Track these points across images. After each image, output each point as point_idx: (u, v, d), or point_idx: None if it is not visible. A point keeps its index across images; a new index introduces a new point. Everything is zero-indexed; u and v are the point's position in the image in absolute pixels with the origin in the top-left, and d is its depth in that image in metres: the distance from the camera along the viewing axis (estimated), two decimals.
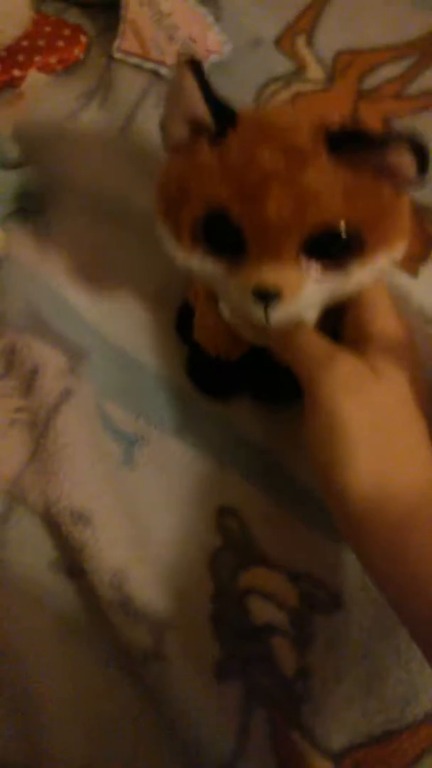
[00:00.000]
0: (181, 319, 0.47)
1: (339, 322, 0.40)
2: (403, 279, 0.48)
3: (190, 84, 0.31)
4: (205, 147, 0.32)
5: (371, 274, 0.35)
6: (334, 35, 0.56)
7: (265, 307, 0.34)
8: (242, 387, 0.47)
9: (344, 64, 0.54)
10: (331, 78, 0.54)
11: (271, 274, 0.33)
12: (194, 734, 0.39)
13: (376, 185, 0.32)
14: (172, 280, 0.48)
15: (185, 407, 0.47)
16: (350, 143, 0.30)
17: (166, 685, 0.40)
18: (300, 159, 0.31)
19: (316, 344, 0.37)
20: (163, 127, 0.34)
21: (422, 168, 0.30)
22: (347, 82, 0.54)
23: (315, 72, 0.54)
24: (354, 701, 0.41)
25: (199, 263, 0.35)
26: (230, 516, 0.44)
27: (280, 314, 0.34)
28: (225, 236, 0.33)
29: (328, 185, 0.31)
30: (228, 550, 0.43)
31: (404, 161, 0.30)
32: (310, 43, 0.55)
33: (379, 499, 0.33)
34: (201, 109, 0.31)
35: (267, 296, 0.33)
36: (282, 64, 0.55)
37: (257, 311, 0.34)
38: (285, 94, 0.53)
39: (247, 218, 0.32)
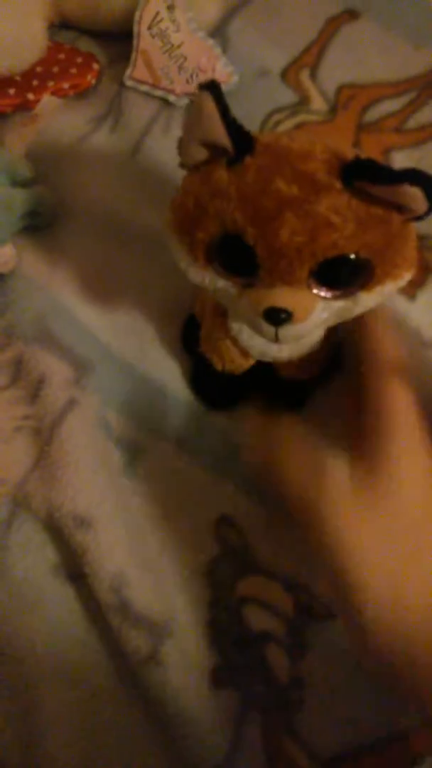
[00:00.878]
0: (187, 332, 0.49)
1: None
2: (400, 302, 0.50)
3: (210, 107, 0.32)
4: (223, 170, 0.33)
5: (377, 299, 0.37)
6: (337, 70, 0.58)
7: (276, 327, 0.36)
8: (242, 398, 0.48)
9: (346, 98, 0.57)
10: (334, 110, 0.56)
11: (284, 297, 0.34)
12: (189, 740, 0.40)
13: (386, 216, 0.33)
14: (177, 295, 0.49)
15: (187, 419, 0.48)
16: (364, 176, 0.32)
17: (163, 690, 0.41)
18: (314, 188, 0.32)
19: (301, 460, 0.37)
20: (182, 147, 0.35)
21: (429, 202, 0.32)
22: (349, 115, 0.56)
23: (318, 104, 0.56)
24: (347, 710, 0.42)
25: (211, 281, 0.36)
26: (228, 525, 0.45)
27: (289, 333, 0.36)
28: (239, 258, 0.34)
29: (340, 215, 0.32)
30: (226, 559, 0.45)
31: (416, 196, 0.31)
32: (314, 76, 0.57)
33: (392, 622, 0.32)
34: (220, 132, 0.32)
35: (278, 318, 0.35)
36: (287, 96, 0.57)
37: (268, 331, 0.36)
38: (289, 124, 0.55)
39: (261, 242, 0.33)
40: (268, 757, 0.41)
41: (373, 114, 0.56)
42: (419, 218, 0.34)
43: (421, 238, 0.51)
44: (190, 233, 0.35)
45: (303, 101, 0.56)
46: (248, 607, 0.44)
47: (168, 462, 0.47)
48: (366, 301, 0.36)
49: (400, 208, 0.34)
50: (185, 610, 0.43)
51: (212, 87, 0.32)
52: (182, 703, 0.41)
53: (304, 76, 0.57)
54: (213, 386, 0.48)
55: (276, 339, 0.36)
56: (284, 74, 0.58)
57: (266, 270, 0.34)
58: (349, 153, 0.34)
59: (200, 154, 0.34)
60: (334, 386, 0.48)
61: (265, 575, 0.44)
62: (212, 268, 0.36)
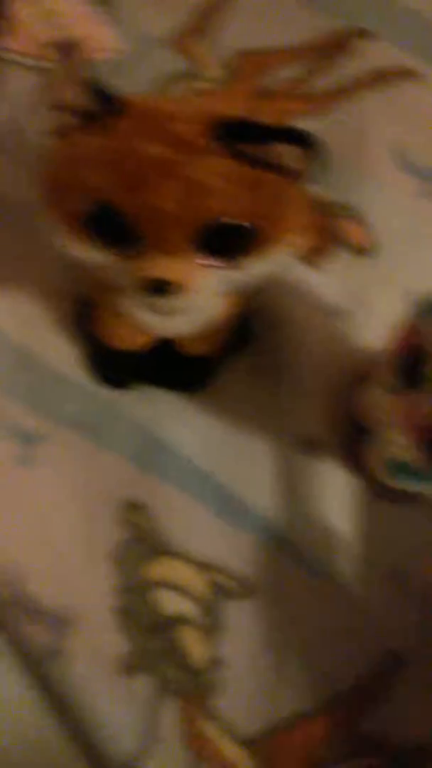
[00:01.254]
0: (79, 312, 0.47)
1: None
2: (306, 271, 0.49)
3: (73, 72, 0.31)
4: (91, 135, 0.32)
5: (268, 266, 0.35)
6: (231, 36, 0.56)
7: (162, 299, 0.34)
8: (144, 377, 0.47)
9: (242, 64, 0.55)
10: (229, 77, 0.55)
11: (166, 268, 0.33)
12: (100, 731, 0.39)
13: (268, 178, 0.32)
14: (69, 276, 0.47)
15: (89, 402, 0.46)
16: (238, 135, 0.31)
17: (67, 682, 0.40)
18: (187, 150, 0.31)
19: None
20: (46, 114, 0.33)
21: (311, 160, 0.31)
22: (245, 82, 0.54)
23: (212, 71, 0.55)
24: (264, 688, 0.41)
25: (90, 255, 0.35)
26: (136, 509, 0.44)
27: (174, 306, 0.35)
28: (114, 228, 0.33)
29: (217, 177, 0.31)
30: (134, 543, 0.43)
31: (292, 154, 0.30)
32: (207, 42, 0.56)
33: None
34: (83, 96, 0.31)
35: (162, 289, 0.33)
36: (178, 63, 0.55)
37: (153, 304, 0.35)
38: (181, 92, 0.53)
39: (135, 210, 0.31)
40: (187, 742, 0.40)
41: (271, 81, 0.55)
42: (306, 179, 0.33)
43: (326, 205, 0.51)
44: (61, 206, 0.33)
45: (196, 68, 0.55)
46: (159, 590, 0.43)
47: (70, 447, 0.45)
48: (256, 268, 0.35)
49: (283, 170, 0.33)
50: (92, 599, 0.42)
51: (73, 51, 0.31)
52: (90, 694, 0.40)
53: (198, 42, 0.56)
54: (111, 366, 0.47)
55: (163, 312, 0.35)
56: (175, 41, 0.56)
57: (143, 239, 0.32)
58: (226, 113, 0.32)
59: (67, 119, 0.32)
60: (240, 363, 0.48)
61: (176, 557, 0.43)
62: (89, 241, 0.34)
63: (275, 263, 0.36)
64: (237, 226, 0.32)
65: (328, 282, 0.49)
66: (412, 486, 0.42)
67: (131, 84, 0.52)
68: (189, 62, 0.55)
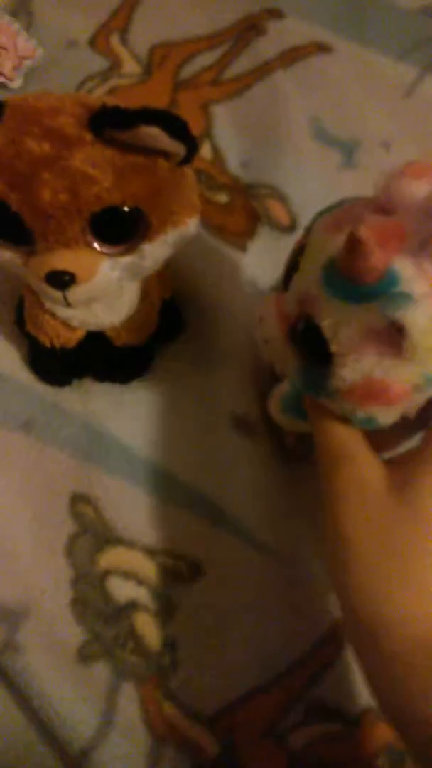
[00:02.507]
0: (19, 313, 0.48)
1: None
2: (233, 253, 0.50)
3: None
4: None
5: (164, 249, 0.36)
6: (147, 31, 0.57)
7: (62, 291, 0.35)
8: (84, 371, 0.47)
9: (160, 57, 0.56)
10: (148, 71, 0.55)
11: (62, 259, 0.34)
12: (56, 720, 0.40)
13: (148, 163, 0.33)
14: (6, 278, 0.48)
15: (29, 401, 0.47)
16: (108, 123, 0.31)
17: (24, 674, 0.41)
18: (66, 143, 0.31)
19: (332, 439, 0.34)
20: None
21: (182, 142, 0.32)
22: (164, 74, 0.55)
23: (131, 67, 0.55)
24: (220, 665, 0.42)
25: None
26: (83, 501, 0.45)
27: (77, 296, 0.35)
28: (10, 227, 0.33)
29: (97, 167, 0.31)
30: (84, 535, 0.44)
31: (156, 136, 0.31)
32: (124, 39, 0.56)
33: (376, 625, 0.30)
34: None
35: (61, 281, 0.34)
36: (97, 63, 0.56)
37: (56, 295, 0.35)
38: (101, 91, 0.54)
39: (24, 206, 0.32)
40: (147, 724, 0.41)
41: (189, 70, 0.56)
42: (187, 159, 0.34)
43: (249, 186, 0.52)
44: None
45: (114, 66, 0.55)
46: (111, 579, 0.43)
47: (14, 448, 0.46)
48: (152, 252, 0.35)
49: (165, 154, 0.33)
50: (45, 592, 0.43)
51: None
52: (46, 683, 0.40)
53: (114, 40, 0.56)
54: (49, 364, 0.47)
55: (67, 304, 0.36)
56: (92, 41, 0.56)
57: (38, 234, 0.33)
58: (98, 104, 0.33)
59: None
60: (176, 349, 0.48)
61: (125, 545, 0.44)
62: None
63: (170, 245, 0.36)
64: (122, 210, 0.33)
65: (253, 262, 0.49)
66: (297, 424, 0.42)
67: (52, 86, 0.53)
68: (107, 61, 0.56)
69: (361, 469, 0.32)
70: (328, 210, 0.32)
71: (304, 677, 0.41)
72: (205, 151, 0.53)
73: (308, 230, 0.32)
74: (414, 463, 0.32)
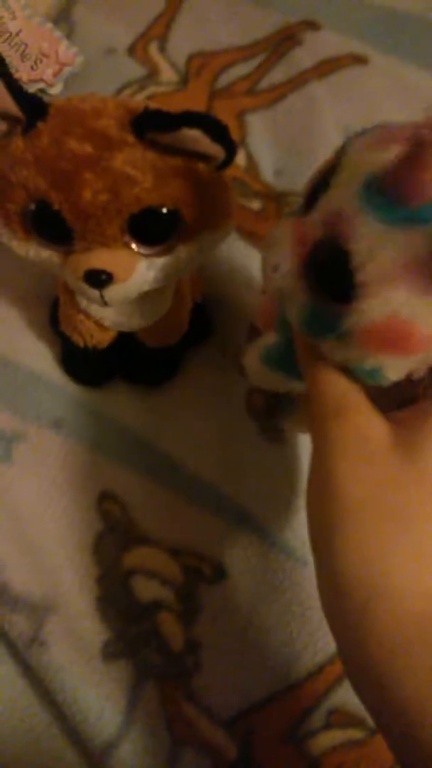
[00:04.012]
0: (54, 313, 0.49)
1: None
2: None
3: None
4: (19, 138, 0.33)
5: (199, 252, 0.37)
6: (185, 40, 0.58)
7: (99, 290, 0.36)
8: (115, 372, 0.48)
9: (197, 66, 0.57)
10: (185, 80, 0.56)
11: (100, 258, 0.35)
12: (79, 715, 0.40)
13: (188, 166, 0.33)
14: (41, 278, 0.49)
15: (64, 401, 0.48)
16: (150, 125, 0.32)
17: (48, 669, 0.41)
18: (108, 144, 0.32)
19: (331, 389, 0.30)
20: None
21: (222, 145, 0.32)
22: (200, 83, 0.56)
23: (168, 75, 0.56)
24: (241, 668, 0.42)
25: (36, 252, 0.36)
26: (110, 500, 0.45)
27: (114, 295, 0.36)
28: (51, 225, 0.34)
29: (138, 168, 0.32)
30: (110, 534, 0.45)
31: (198, 139, 0.31)
32: (162, 49, 0.57)
33: (368, 596, 0.27)
34: (8, 101, 0.32)
35: (98, 280, 0.35)
36: (135, 71, 0.57)
37: (93, 294, 0.36)
38: (139, 98, 0.55)
39: (66, 205, 0.33)
40: (167, 724, 0.41)
41: (225, 80, 0.56)
42: (225, 164, 0.34)
43: (282, 194, 0.53)
44: (3, 206, 0.35)
45: (152, 74, 0.56)
46: (136, 578, 0.44)
47: (45, 446, 0.47)
48: (187, 254, 0.36)
49: (205, 158, 0.34)
50: (72, 588, 0.43)
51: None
52: (70, 679, 0.41)
53: (153, 49, 0.57)
54: (82, 364, 0.48)
55: (104, 303, 0.36)
56: (131, 50, 0.57)
57: (78, 233, 0.34)
58: (141, 106, 0.34)
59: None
60: (205, 353, 0.49)
61: (150, 545, 0.44)
62: (33, 240, 0.36)
63: (206, 248, 0.37)
64: (160, 211, 0.33)
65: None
66: (277, 380, 0.37)
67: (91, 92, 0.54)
68: (146, 69, 0.57)
69: (362, 422, 0.29)
70: (366, 132, 0.27)
71: (325, 682, 0.41)
72: (240, 159, 0.54)
73: (341, 150, 0.28)
74: (420, 421, 0.29)
